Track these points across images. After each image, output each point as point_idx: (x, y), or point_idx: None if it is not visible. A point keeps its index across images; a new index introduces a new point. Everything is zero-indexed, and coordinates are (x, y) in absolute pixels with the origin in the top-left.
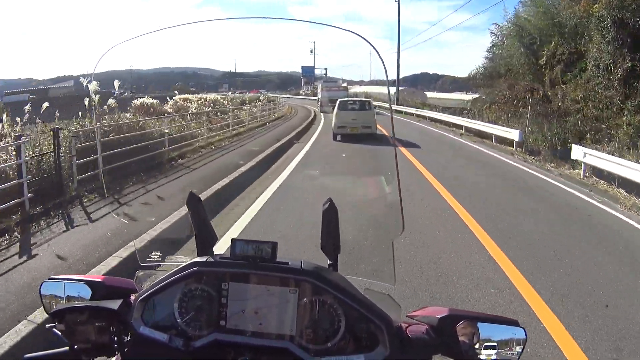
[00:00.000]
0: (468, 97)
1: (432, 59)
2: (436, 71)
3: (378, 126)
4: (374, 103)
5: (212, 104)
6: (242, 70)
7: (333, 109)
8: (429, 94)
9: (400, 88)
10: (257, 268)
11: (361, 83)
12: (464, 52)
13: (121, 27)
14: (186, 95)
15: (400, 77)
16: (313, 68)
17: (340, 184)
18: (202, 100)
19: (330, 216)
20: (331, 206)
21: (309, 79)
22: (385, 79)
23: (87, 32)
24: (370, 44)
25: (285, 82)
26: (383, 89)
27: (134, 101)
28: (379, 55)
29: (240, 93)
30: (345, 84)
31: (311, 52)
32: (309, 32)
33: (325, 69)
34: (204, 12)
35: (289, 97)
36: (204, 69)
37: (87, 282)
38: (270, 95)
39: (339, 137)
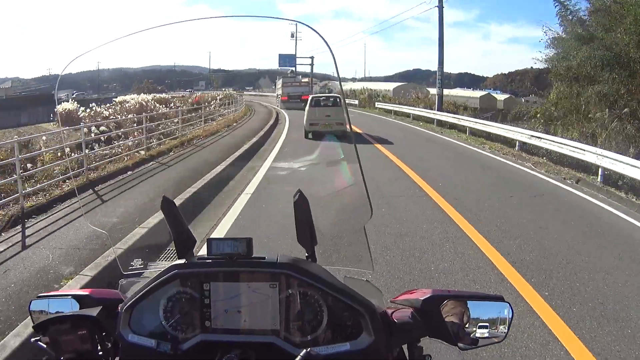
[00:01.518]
0: (475, 93)
1: (423, 55)
2: (428, 67)
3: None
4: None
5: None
6: (235, 68)
7: (300, 105)
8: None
9: (399, 84)
10: (234, 265)
11: (354, 80)
12: (455, 48)
13: (109, 24)
14: (124, 98)
15: (393, 73)
16: (294, 57)
17: (306, 176)
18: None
19: (302, 207)
20: (301, 197)
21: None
22: (378, 75)
23: (76, 29)
24: (323, 38)
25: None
26: (385, 85)
27: (59, 106)
28: (329, 48)
29: (188, 91)
30: (306, 79)
31: (292, 36)
32: (303, 29)
33: (312, 57)
34: (194, 10)
35: (253, 95)
36: (194, 66)
37: (75, 297)
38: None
39: (310, 135)
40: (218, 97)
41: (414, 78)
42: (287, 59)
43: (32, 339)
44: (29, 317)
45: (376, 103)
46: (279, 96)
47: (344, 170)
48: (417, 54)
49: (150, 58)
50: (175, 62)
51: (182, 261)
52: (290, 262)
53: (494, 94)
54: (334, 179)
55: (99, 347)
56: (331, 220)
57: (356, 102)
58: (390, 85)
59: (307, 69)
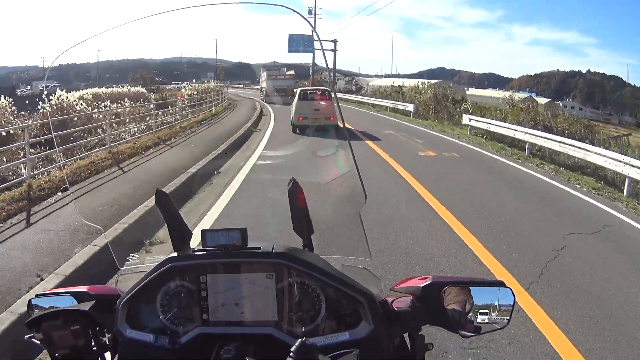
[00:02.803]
0: (499, 94)
1: (447, 54)
2: (453, 66)
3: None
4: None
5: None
6: (257, 61)
7: (280, 99)
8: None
9: (432, 81)
10: (229, 256)
11: (379, 76)
12: (478, 48)
13: (110, 15)
14: (83, 92)
15: (417, 71)
16: (309, 39)
17: (299, 165)
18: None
19: (297, 196)
20: (295, 185)
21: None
22: (402, 72)
23: (76, 16)
24: (308, 21)
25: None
26: (414, 82)
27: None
28: (316, 34)
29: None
30: (291, 72)
31: (310, 13)
32: (328, 24)
33: (335, 40)
34: None
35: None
36: (211, 58)
37: (72, 294)
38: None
39: (297, 130)
40: (191, 94)
41: (439, 77)
42: (300, 42)
43: (26, 336)
44: None
45: (465, 117)
46: (263, 89)
47: (337, 159)
48: (440, 52)
49: (172, 50)
50: (192, 53)
51: (177, 254)
52: (287, 252)
53: (535, 98)
54: (327, 167)
55: (93, 342)
56: (326, 208)
57: (411, 107)
58: (420, 82)
59: (313, 59)
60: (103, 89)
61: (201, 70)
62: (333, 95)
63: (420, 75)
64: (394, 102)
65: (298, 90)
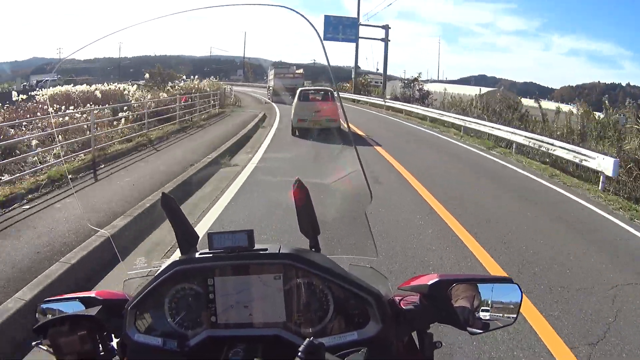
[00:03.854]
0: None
1: (486, 61)
2: (494, 74)
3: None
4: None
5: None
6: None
7: (291, 98)
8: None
9: (486, 89)
10: (236, 258)
11: (427, 81)
12: (516, 56)
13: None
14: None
15: (458, 77)
16: (355, 23)
17: (304, 166)
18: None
19: (302, 196)
20: (300, 186)
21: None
22: (442, 78)
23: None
24: (309, 22)
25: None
26: (463, 89)
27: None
28: (319, 37)
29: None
30: (301, 70)
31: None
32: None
33: (385, 27)
34: None
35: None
36: (254, 58)
37: (80, 299)
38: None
39: (297, 133)
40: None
41: (480, 85)
42: (338, 25)
43: (33, 343)
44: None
45: None
46: (270, 88)
47: (340, 156)
48: (480, 60)
49: (201, 46)
50: (225, 50)
51: (184, 257)
52: (293, 253)
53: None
54: (332, 167)
55: (101, 347)
56: (332, 208)
57: (603, 162)
58: (470, 90)
59: (357, 53)
60: (81, 87)
61: (230, 68)
62: (336, 95)
63: (463, 81)
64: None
65: (298, 91)
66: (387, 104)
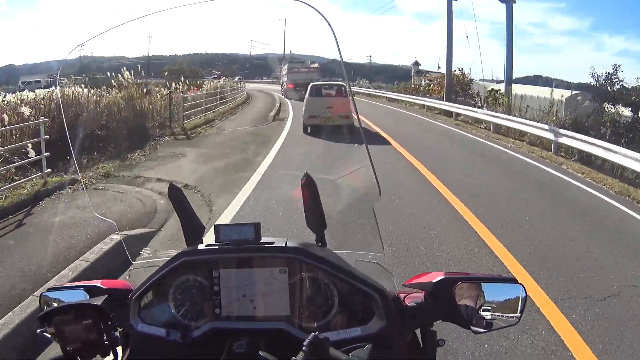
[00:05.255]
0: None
1: (538, 61)
2: (548, 74)
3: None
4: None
5: None
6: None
7: (303, 94)
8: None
9: (573, 92)
10: (242, 251)
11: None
12: (568, 56)
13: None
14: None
15: (514, 78)
16: None
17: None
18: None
19: (310, 191)
20: (309, 180)
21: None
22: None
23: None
24: (324, 17)
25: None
26: (543, 91)
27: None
28: (333, 32)
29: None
30: (316, 64)
31: None
32: (418, 25)
33: None
34: None
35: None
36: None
37: (84, 288)
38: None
39: (309, 130)
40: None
41: (537, 84)
42: None
43: (38, 330)
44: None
45: None
46: (284, 83)
47: (350, 152)
48: (532, 59)
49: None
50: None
51: (190, 249)
52: (300, 247)
53: None
54: (341, 161)
55: (105, 337)
56: (340, 203)
57: None
58: (552, 92)
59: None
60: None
61: (266, 65)
62: (349, 91)
63: (518, 81)
64: None
65: (309, 86)
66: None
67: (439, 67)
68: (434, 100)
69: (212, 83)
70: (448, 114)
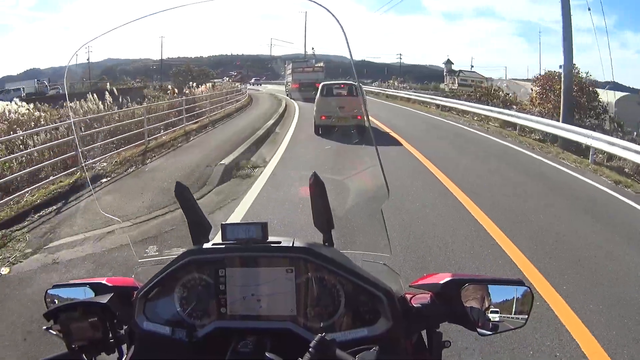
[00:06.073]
0: None
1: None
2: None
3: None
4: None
5: None
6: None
7: (313, 94)
8: None
9: (622, 94)
10: (249, 250)
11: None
12: (593, 54)
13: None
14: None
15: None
16: None
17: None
18: None
19: (318, 190)
20: (316, 180)
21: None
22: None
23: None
24: (334, 15)
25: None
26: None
27: None
28: (342, 30)
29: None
30: (321, 64)
31: None
32: (443, 25)
33: None
34: None
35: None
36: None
37: (90, 285)
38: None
39: (320, 131)
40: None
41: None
42: None
43: (44, 327)
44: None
45: None
46: (289, 83)
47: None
48: (559, 58)
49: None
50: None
51: (196, 247)
52: (307, 247)
53: None
54: (350, 161)
55: (110, 334)
56: (348, 203)
57: None
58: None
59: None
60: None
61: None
62: (359, 91)
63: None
64: None
65: (320, 86)
66: None
67: (472, 66)
68: (536, 120)
69: (202, 87)
70: (567, 145)
